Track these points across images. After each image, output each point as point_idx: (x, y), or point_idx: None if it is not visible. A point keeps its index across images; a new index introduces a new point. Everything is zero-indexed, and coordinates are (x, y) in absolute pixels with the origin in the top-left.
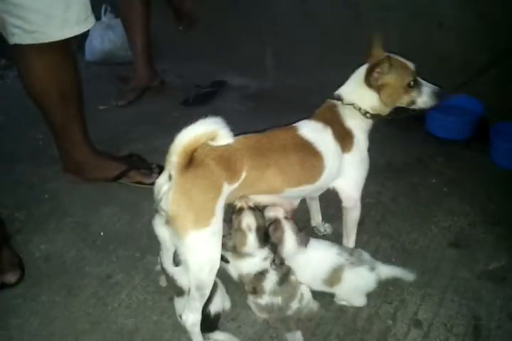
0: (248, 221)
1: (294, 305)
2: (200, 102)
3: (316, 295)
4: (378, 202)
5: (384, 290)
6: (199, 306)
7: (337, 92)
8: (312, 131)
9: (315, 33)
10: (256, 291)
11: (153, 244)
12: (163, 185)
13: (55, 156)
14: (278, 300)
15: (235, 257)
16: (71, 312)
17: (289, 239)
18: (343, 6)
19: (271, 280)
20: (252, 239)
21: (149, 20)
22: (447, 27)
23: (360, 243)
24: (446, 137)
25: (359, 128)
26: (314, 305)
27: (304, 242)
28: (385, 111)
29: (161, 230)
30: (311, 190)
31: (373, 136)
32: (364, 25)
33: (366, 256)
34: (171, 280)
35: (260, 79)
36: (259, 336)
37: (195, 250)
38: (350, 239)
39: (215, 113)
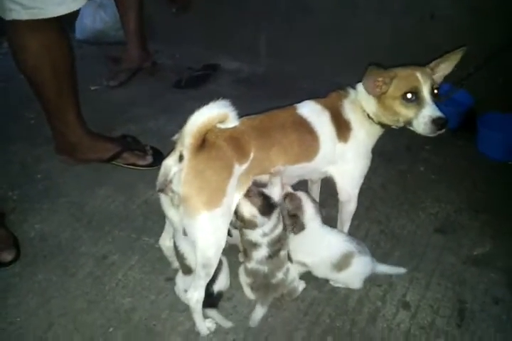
0: (247, 209)
1: (279, 275)
2: (192, 85)
3: (309, 276)
4: (368, 188)
5: (373, 273)
6: (203, 284)
7: (349, 86)
8: (310, 111)
9: (310, 21)
10: (246, 255)
11: (149, 225)
12: (172, 166)
13: (47, 136)
14: (264, 268)
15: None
16: (68, 292)
17: (308, 205)
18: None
19: (261, 253)
20: (260, 219)
21: (143, 2)
22: (439, 19)
23: (350, 228)
24: None
25: (358, 123)
26: (300, 285)
27: (319, 210)
28: (391, 121)
29: (171, 211)
30: (309, 169)
31: None
32: (359, 15)
33: (366, 248)
34: (181, 258)
35: (253, 64)
36: None
37: (204, 230)
38: (344, 227)
39: (207, 96)
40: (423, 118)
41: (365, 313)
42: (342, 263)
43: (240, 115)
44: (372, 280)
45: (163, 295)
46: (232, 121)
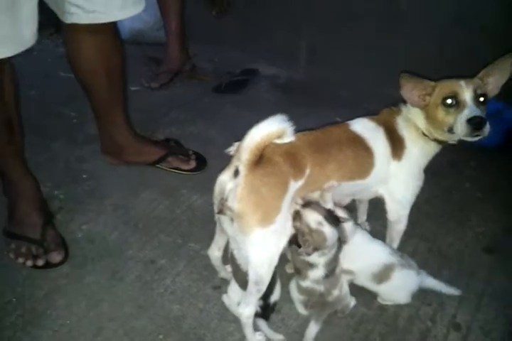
0: (313, 218)
1: (335, 292)
2: (231, 90)
3: (357, 293)
4: (414, 204)
5: (423, 292)
6: (254, 301)
7: (401, 103)
8: (364, 127)
9: (354, 28)
10: (299, 273)
11: (194, 231)
12: (227, 182)
13: (90, 135)
14: (320, 287)
15: None
16: (117, 296)
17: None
18: (387, 6)
19: (318, 273)
20: (328, 229)
21: (185, 3)
22: (489, 30)
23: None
24: (479, 143)
25: (412, 141)
26: (351, 301)
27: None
28: (441, 134)
29: (230, 228)
30: (361, 187)
31: None
32: (405, 25)
33: (412, 262)
34: (239, 271)
35: (292, 70)
36: (303, 329)
37: (257, 246)
38: (393, 245)
39: (246, 101)
40: (460, 119)
41: (415, 333)
42: (382, 275)
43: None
44: (421, 298)
45: (211, 304)
46: (289, 137)
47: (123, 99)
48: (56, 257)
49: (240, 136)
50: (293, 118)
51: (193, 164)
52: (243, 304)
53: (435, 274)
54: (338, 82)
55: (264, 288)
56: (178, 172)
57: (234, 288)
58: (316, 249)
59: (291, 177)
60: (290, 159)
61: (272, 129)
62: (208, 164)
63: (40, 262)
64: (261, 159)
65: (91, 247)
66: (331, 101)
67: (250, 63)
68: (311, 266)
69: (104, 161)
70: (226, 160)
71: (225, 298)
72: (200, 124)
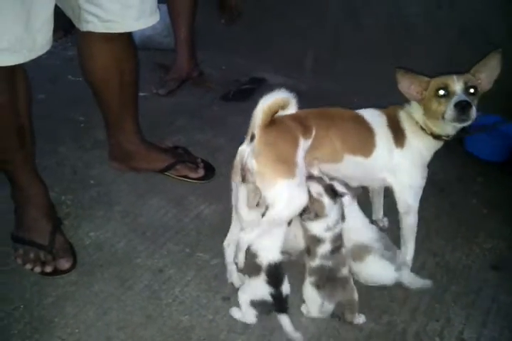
0: (315, 188)
1: (344, 270)
2: (239, 98)
3: (365, 308)
4: (421, 218)
5: (430, 307)
6: (259, 233)
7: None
8: (369, 113)
9: (360, 42)
10: (309, 253)
11: (202, 240)
12: (245, 150)
13: (97, 140)
14: (329, 263)
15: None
16: (125, 305)
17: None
18: (394, 19)
19: (325, 248)
20: (326, 201)
21: (196, 10)
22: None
23: None
24: (486, 158)
25: (412, 132)
26: (355, 295)
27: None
28: (436, 126)
29: (244, 209)
30: (366, 169)
31: None
32: (412, 39)
33: (401, 258)
34: (251, 257)
35: (298, 80)
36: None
37: (282, 195)
38: (408, 248)
39: (253, 110)
40: (449, 105)
41: None
42: (356, 254)
43: None
44: (428, 314)
45: (220, 315)
46: (293, 107)
47: (135, 106)
48: (65, 264)
49: None
50: None
51: (201, 172)
52: (249, 230)
53: (443, 290)
54: (343, 92)
55: (275, 229)
56: (186, 181)
57: (246, 283)
58: (317, 216)
59: (301, 134)
60: (298, 121)
61: (279, 97)
62: (216, 173)
63: (49, 268)
64: (272, 123)
65: (99, 254)
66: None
67: (257, 72)
68: (319, 241)
69: (112, 167)
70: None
71: (233, 311)
72: (208, 132)
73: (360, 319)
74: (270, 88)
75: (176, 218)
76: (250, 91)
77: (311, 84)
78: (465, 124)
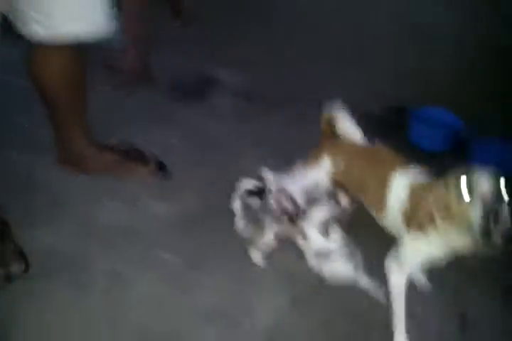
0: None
1: None
2: (191, 98)
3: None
4: None
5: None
6: None
7: None
8: None
9: (312, 43)
10: None
11: (159, 239)
12: None
13: (44, 143)
14: None
15: None
16: (85, 309)
17: None
18: (345, 20)
19: None
20: None
21: (147, 11)
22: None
23: None
24: (428, 148)
25: None
26: None
27: None
28: None
29: None
30: None
31: None
32: (360, 42)
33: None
34: None
35: (251, 78)
36: None
37: None
38: None
39: (205, 109)
40: None
41: None
42: None
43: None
44: None
45: (181, 311)
46: None
47: (82, 109)
48: (17, 269)
49: (198, 143)
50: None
51: (152, 168)
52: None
53: None
54: (295, 91)
55: None
56: (139, 180)
57: None
58: None
59: None
60: None
61: None
62: (169, 172)
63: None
64: None
65: (54, 259)
66: (288, 109)
67: (210, 72)
68: None
69: (62, 171)
70: (188, 168)
71: None
72: (160, 132)
73: None
74: (222, 87)
75: (131, 218)
76: (202, 91)
77: (264, 81)
78: None
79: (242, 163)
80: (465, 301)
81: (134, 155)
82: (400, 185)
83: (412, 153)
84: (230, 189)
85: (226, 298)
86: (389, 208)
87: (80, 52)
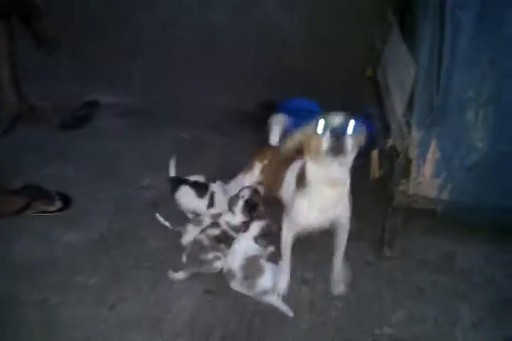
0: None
1: None
2: (77, 124)
3: None
4: None
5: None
6: None
7: None
8: None
9: (176, 53)
10: None
11: (77, 265)
12: None
13: None
14: None
15: None
16: (22, 339)
17: None
18: (201, 29)
19: None
20: None
21: (15, 51)
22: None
23: None
24: None
25: None
26: None
27: None
28: None
29: None
30: None
31: None
32: (219, 43)
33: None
34: None
35: (129, 96)
36: None
37: None
38: None
39: (93, 133)
40: None
41: None
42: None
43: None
44: None
45: (110, 322)
46: None
47: None
48: None
49: (94, 169)
50: (140, 140)
51: (58, 204)
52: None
53: None
54: (173, 100)
55: None
56: (46, 215)
57: None
58: None
59: None
60: None
61: None
62: (72, 201)
63: None
64: None
65: None
66: (171, 120)
67: (88, 94)
68: None
69: None
70: (89, 195)
71: None
72: (55, 164)
73: None
74: (104, 109)
75: (47, 250)
76: (86, 116)
77: (143, 98)
78: None
79: (140, 180)
80: None
81: (36, 194)
82: (293, 169)
83: None
84: (135, 208)
85: (148, 302)
86: (286, 184)
87: None
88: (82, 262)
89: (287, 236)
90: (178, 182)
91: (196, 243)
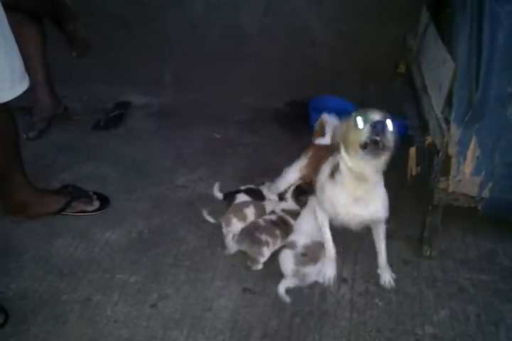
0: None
1: None
2: (110, 125)
3: None
4: None
5: None
6: None
7: None
8: None
9: (206, 52)
10: None
11: (117, 264)
12: None
13: None
14: None
15: None
16: (66, 337)
17: None
18: (229, 29)
19: None
20: None
21: (46, 50)
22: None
23: None
24: None
25: None
26: None
27: None
28: None
29: None
30: None
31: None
32: (249, 44)
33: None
34: None
35: (161, 97)
36: None
37: None
38: None
39: (127, 134)
40: None
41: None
42: None
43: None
44: None
45: (153, 320)
46: None
47: (18, 159)
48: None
49: (129, 169)
50: (173, 139)
51: (96, 204)
52: None
53: None
54: (204, 100)
55: None
56: (85, 215)
57: None
58: None
59: None
60: None
61: None
62: (110, 200)
63: None
64: None
65: (26, 302)
66: (202, 120)
67: (120, 96)
68: None
69: (10, 220)
70: (125, 195)
71: None
72: (90, 164)
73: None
74: (136, 110)
75: (86, 250)
76: (119, 117)
77: (174, 98)
78: None
79: (174, 179)
80: None
81: (75, 194)
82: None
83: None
84: (171, 207)
85: (188, 301)
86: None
87: (8, 111)
88: (121, 261)
89: (321, 216)
90: (232, 193)
91: (254, 223)
